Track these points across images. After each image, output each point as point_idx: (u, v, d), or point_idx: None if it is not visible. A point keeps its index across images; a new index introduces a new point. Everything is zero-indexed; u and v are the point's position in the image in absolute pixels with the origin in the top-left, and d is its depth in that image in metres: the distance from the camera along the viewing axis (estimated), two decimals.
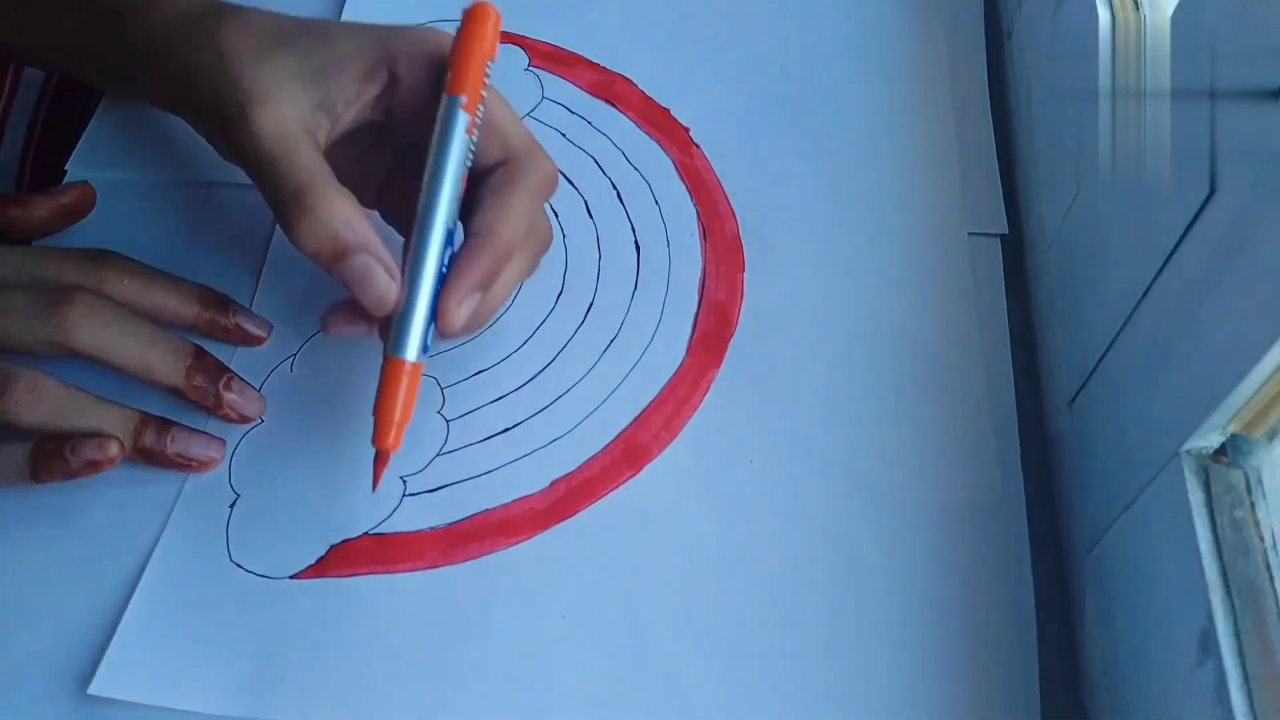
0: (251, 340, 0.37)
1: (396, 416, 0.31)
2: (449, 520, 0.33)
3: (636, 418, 0.36)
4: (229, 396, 0.35)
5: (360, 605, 0.32)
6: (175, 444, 0.34)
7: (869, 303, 0.38)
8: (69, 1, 0.37)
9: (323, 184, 0.30)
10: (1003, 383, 0.36)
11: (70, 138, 0.51)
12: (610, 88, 0.45)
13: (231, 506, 0.34)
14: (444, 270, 0.31)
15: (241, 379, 0.35)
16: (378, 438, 0.31)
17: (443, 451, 0.35)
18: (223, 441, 0.35)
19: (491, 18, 0.32)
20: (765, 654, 0.31)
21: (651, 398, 0.36)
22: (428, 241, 0.31)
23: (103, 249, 0.36)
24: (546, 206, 0.35)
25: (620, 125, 0.43)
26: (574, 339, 0.37)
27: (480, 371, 0.37)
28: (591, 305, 0.38)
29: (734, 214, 0.41)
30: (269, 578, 0.32)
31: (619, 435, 0.35)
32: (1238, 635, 0.23)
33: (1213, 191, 0.25)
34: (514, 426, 0.35)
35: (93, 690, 0.30)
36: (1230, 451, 0.25)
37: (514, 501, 0.34)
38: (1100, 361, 0.31)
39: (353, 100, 0.32)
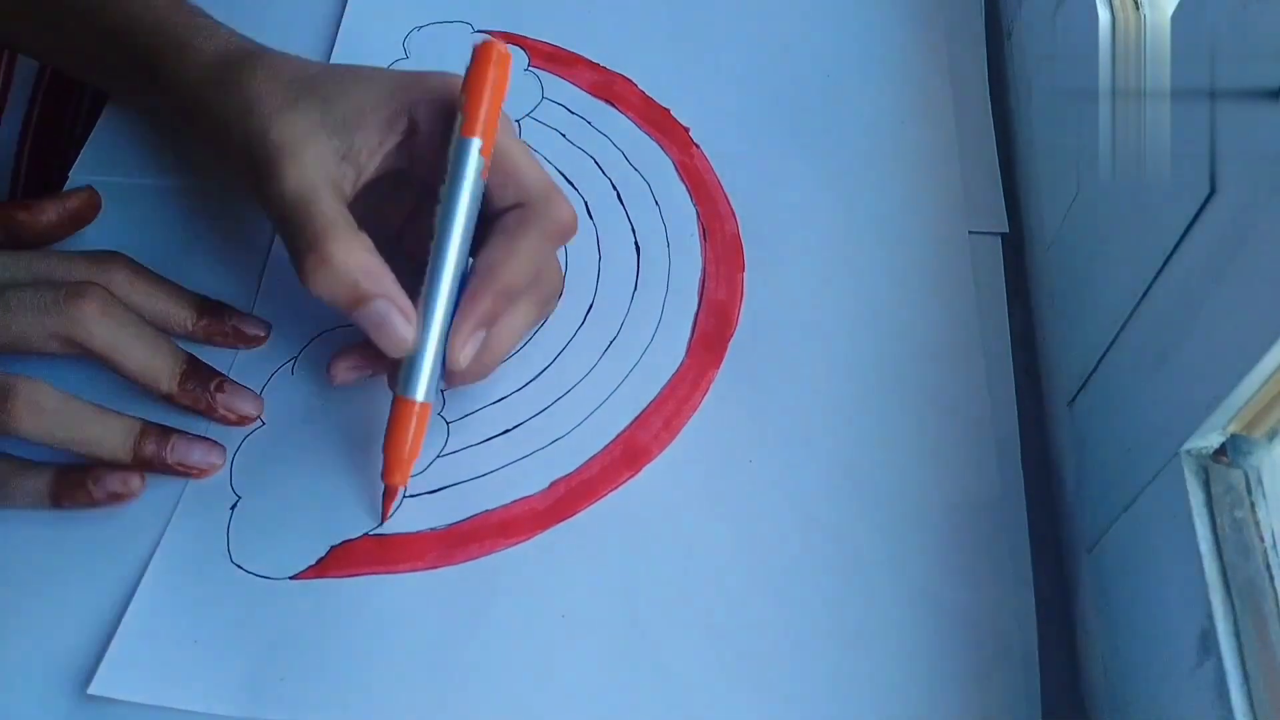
0: (251, 341, 0.37)
1: (406, 454, 0.32)
2: (449, 521, 0.33)
3: (636, 418, 0.36)
4: (221, 398, 0.35)
5: (360, 606, 0.32)
6: (176, 452, 0.34)
7: (869, 302, 0.38)
8: (106, 43, 0.38)
9: (341, 230, 0.31)
10: (1003, 382, 0.36)
11: (67, 129, 0.51)
12: (610, 88, 0.45)
13: (232, 508, 0.34)
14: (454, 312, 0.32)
15: (234, 381, 0.36)
16: (387, 474, 0.33)
17: (443, 453, 0.35)
18: (223, 448, 0.35)
19: (495, 55, 0.32)
20: (765, 654, 0.31)
21: (651, 398, 0.36)
22: (438, 284, 0.32)
23: (110, 250, 0.36)
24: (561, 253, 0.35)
25: (620, 125, 0.43)
26: (574, 340, 0.37)
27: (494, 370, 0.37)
28: (591, 306, 0.38)
29: (734, 214, 0.41)
30: (269, 578, 0.32)
31: (619, 436, 0.35)
32: (1238, 635, 0.23)
33: (1213, 191, 0.25)
34: (514, 428, 0.35)
35: (93, 690, 0.30)
36: (1230, 451, 0.25)
37: (514, 502, 0.34)
38: (1100, 361, 0.31)
39: (376, 150, 0.33)
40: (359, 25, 0.46)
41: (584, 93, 0.44)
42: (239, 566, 0.33)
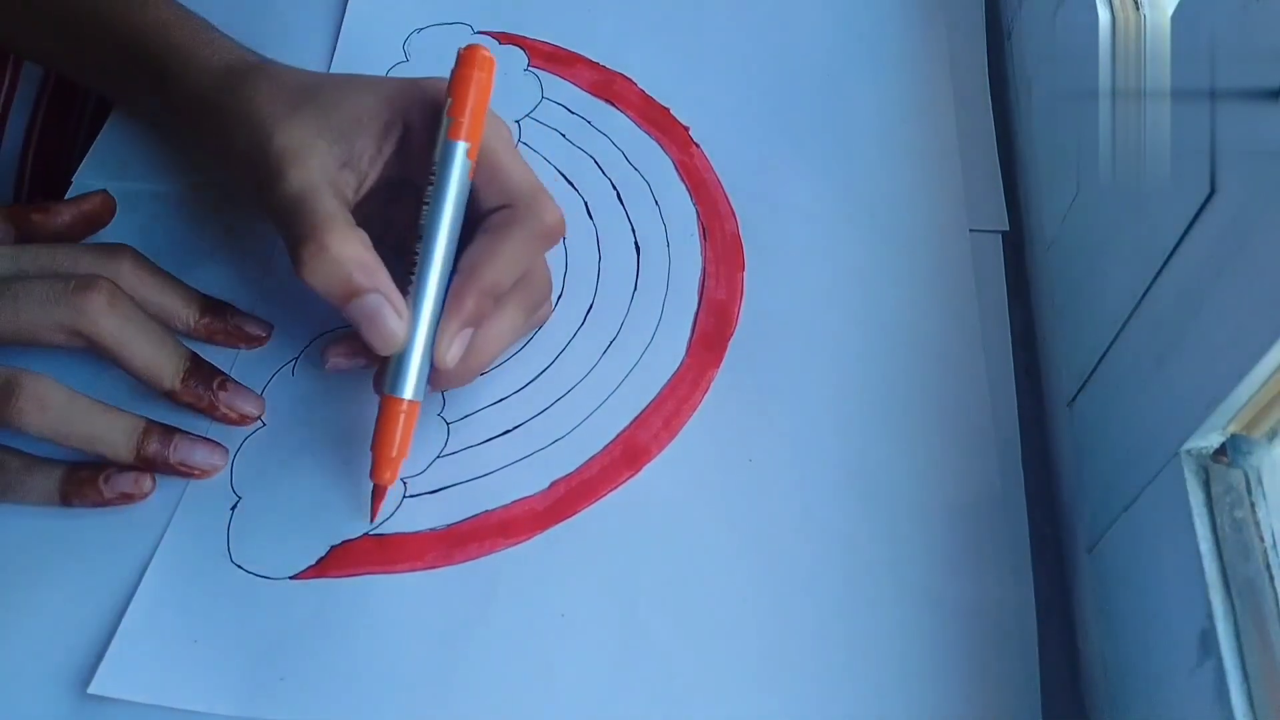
0: (252, 340, 0.37)
1: (394, 453, 0.32)
2: (449, 521, 0.33)
3: (636, 418, 0.36)
4: (223, 396, 0.35)
5: (360, 605, 0.32)
6: (178, 452, 0.34)
7: (870, 301, 0.38)
8: (113, 53, 0.39)
9: (338, 223, 0.31)
10: (1004, 381, 0.36)
11: (71, 134, 0.51)
12: (610, 87, 0.45)
13: (233, 508, 0.34)
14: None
15: (236, 381, 0.36)
16: (375, 473, 0.33)
17: (443, 453, 0.35)
18: (225, 449, 0.35)
19: (479, 58, 0.32)
20: (765, 653, 0.31)
21: (651, 398, 0.36)
22: (425, 284, 0.32)
23: (116, 244, 0.36)
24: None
25: (620, 125, 0.43)
26: (573, 340, 0.37)
27: (481, 373, 0.37)
28: (591, 306, 0.38)
29: (734, 213, 0.41)
30: (269, 578, 0.32)
31: (618, 436, 0.35)
32: (1238, 635, 0.23)
33: (1213, 191, 0.25)
34: (514, 428, 0.35)
35: (93, 689, 0.30)
36: (1230, 451, 0.25)
37: (514, 502, 0.34)
38: (1100, 361, 0.31)
39: (376, 157, 0.34)
40: (359, 29, 0.47)
41: (584, 92, 0.44)
42: (239, 566, 0.33)
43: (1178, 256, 0.27)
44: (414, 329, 0.32)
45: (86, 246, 0.35)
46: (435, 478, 0.34)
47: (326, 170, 0.33)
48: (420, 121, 0.33)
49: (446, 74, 0.33)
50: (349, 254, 0.31)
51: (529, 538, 0.33)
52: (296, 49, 0.46)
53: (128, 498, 0.33)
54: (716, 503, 0.34)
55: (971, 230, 0.40)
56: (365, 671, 0.31)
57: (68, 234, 0.38)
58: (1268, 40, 0.23)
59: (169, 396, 0.34)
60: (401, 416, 0.32)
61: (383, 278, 0.31)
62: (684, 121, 0.43)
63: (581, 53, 0.46)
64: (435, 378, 0.33)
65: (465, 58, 0.32)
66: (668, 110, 0.44)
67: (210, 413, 0.35)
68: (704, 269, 0.39)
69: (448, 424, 0.36)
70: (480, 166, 0.33)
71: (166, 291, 0.36)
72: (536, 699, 0.30)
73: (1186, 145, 0.27)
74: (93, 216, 0.39)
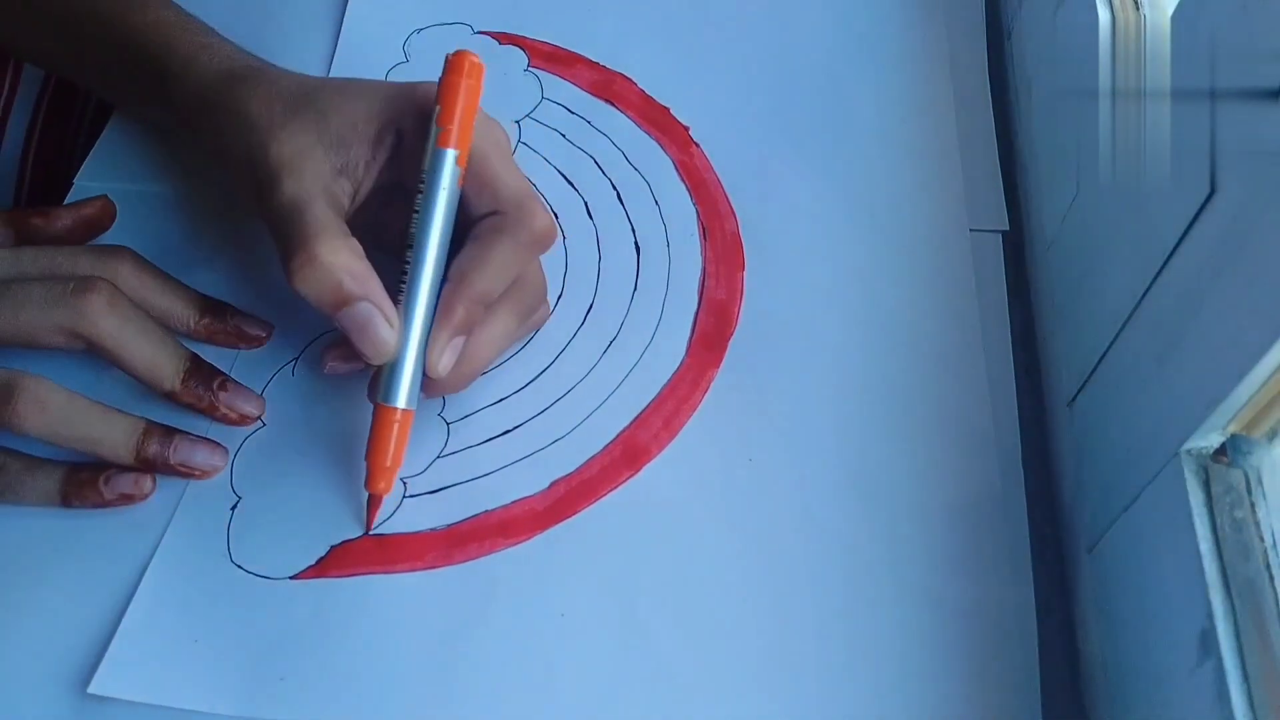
0: (252, 341, 0.37)
1: (388, 462, 0.32)
2: (449, 521, 0.33)
3: (636, 418, 0.36)
4: (224, 397, 0.35)
5: (360, 605, 0.32)
6: (179, 453, 0.34)
7: (870, 300, 0.38)
8: (114, 58, 0.39)
9: (329, 232, 0.31)
10: (1004, 381, 0.36)
11: (71, 136, 0.51)
12: (610, 87, 0.45)
13: (233, 509, 0.34)
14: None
15: (236, 381, 0.36)
16: (370, 482, 0.33)
17: (443, 453, 0.35)
18: (225, 450, 0.35)
19: (467, 65, 0.32)
20: (764, 653, 0.31)
21: (651, 398, 0.36)
22: (416, 292, 0.32)
23: (116, 245, 0.36)
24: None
25: (620, 125, 0.43)
26: (573, 340, 0.37)
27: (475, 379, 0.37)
28: (591, 306, 0.38)
29: (734, 213, 0.41)
30: (269, 578, 0.32)
31: (619, 435, 0.35)
32: (1238, 635, 0.23)
33: (1213, 191, 0.25)
34: (514, 428, 0.35)
35: (93, 689, 0.30)
36: (1230, 451, 0.25)
37: (514, 502, 0.34)
38: (1100, 361, 0.31)
39: (371, 164, 0.34)
40: (359, 29, 0.47)
41: (583, 92, 0.44)
42: (239, 566, 0.33)
43: (1178, 256, 0.27)
44: (406, 337, 0.32)
45: (86, 248, 0.35)
46: (435, 478, 0.34)
47: (322, 178, 0.33)
48: (413, 127, 0.33)
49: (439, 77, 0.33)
50: (340, 263, 0.31)
51: (529, 538, 0.33)
52: (297, 49, 0.46)
53: (128, 498, 0.33)
54: (716, 503, 0.34)
55: (971, 230, 0.40)
56: (365, 671, 0.31)
57: (68, 239, 0.38)
58: (1268, 40, 0.23)
59: (169, 397, 0.34)
60: (395, 426, 0.32)
61: (374, 286, 0.31)
62: (684, 121, 0.43)
63: (581, 53, 0.46)
64: (428, 385, 0.33)
65: (453, 64, 0.32)
66: (668, 110, 0.44)
67: (210, 413, 0.35)
68: (704, 269, 0.39)
69: (447, 424, 0.36)
70: (470, 173, 0.33)
71: (166, 292, 0.36)
72: (536, 699, 0.30)
73: (1186, 145, 0.27)
74: (93, 221, 0.39)
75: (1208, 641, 0.24)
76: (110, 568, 0.33)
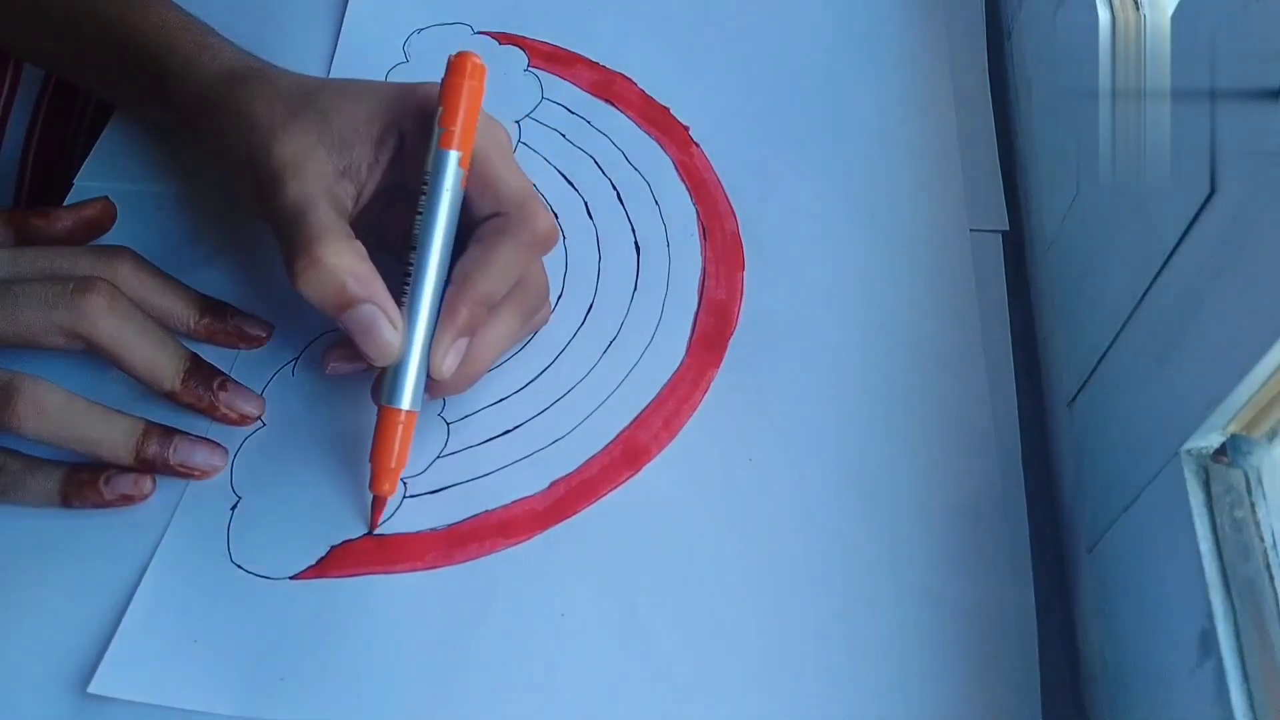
0: (252, 341, 0.37)
1: (393, 463, 0.32)
2: (449, 521, 0.33)
3: (636, 418, 0.36)
4: (224, 397, 0.35)
5: (360, 605, 0.32)
6: (178, 453, 0.34)
7: (870, 300, 0.38)
8: (115, 59, 0.39)
9: (332, 235, 0.31)
10: (1004, 381, 0.36)
11: (71, 136, 0.51)
12: (610, 87, 0.45)
13: (233, 509, 0.34)
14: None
15: (236, 381, 0.36)
16: (374, 484, 0.33)
17: (443, 454, 0.35)
18: (225, 450, 0.35)
19: (469, 66, 0.32)
20: (764, 653, 0.31)
21: (651, 398, 0.36)
22: (420, 294, 0.32)
23: (116, 245, 0.36)
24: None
25: (620, 125, 0.43)
26: (573, 340, 0.37)
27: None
28: (591, 306, 0.38)
29: (734, 212, 0.41)
30: (269, 578, 0.32)
31: (619, 435, 0.35)
32: (1238, 635, 0.23)
33: (1213, 191, 0.25)
34: (514, 428, 0.35)
35: (93, 689, 0.30)
36: (1230, 451, 0.25)
37: (514, 502, 0.34)
38: (1100, 361, 0.31)
39: (374, 165, 0.34)
40: (359, 30, 0.47)
41: (583, 92, 0.44)
42: (239, 566, 0.33)
43: (1178, 256, 0.27)
44: (410, 339, 0.32)
45: (86, 248, 0.35)
46: (435, 478, 0.34)
47: (325, 180, 0.33)
48: (415, 128, 0.33)
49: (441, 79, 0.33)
50: (343, 265, 0.31)
51: (529, 538, 0.33)
52: (297, 50, 0.46)
53: (128, 499, 0.33)
54: (716, 502, 0.34)
55: (971, 230, 0.40)
56: (365, 671, 0.31)
57: (68, 239, 0.38)
58: (1268, 40, 0.23)
59: (169, 397, 0.34)
60: (400, 427, 0.32)
61: (377, 288, 0.31)
62: (684, 121, 0.43)
63: (581, 53, 0.46)
64: (432, 386, 0.33)
65: (455, 65, 0.32)
66: (668, 110, 0.44)
67: (210, 413, 0.35)
68: (704, 269, 0.39)
69: (448, 424, 0.36)
70: (473, 174, 0.33)
71: (166, 292, 0.36)
72: (536, 699, 0.30)
73: (1186, 145, 0.27)
74: (93, 222, 0.39)
75: (1208, 641, 0.24)
76: (110, 568, 0.33)
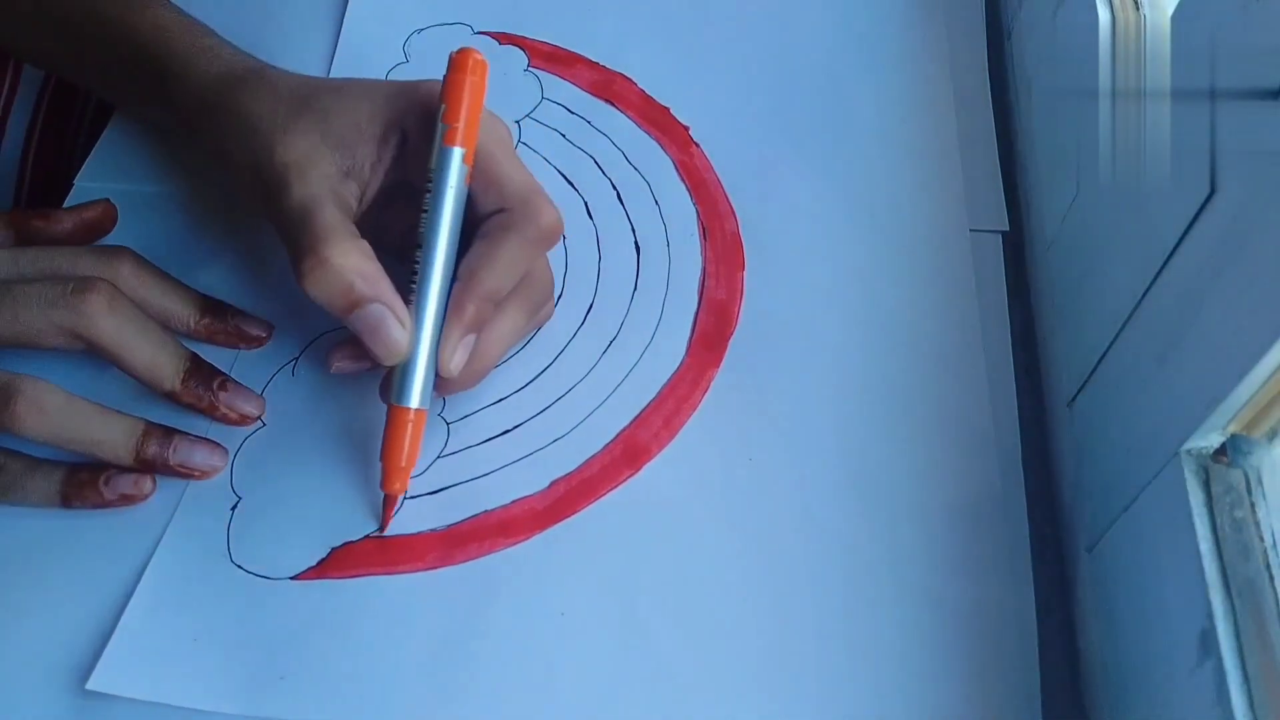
0: (252, 341, 0.37)
1: (403, 462, 0.32)
2: (449, 522, 0.33)
3: (636, 417, 0.36)
4: (224, 396, 0.35)
5: (360, 605, 0.32)
6: (178, 454, 0.34)
7: (870, 300, 0.38)
8: (114, 61, 0.39)
9: (339, 235, 0.31)
10: (1004, 381, 0.36)
11: (71, 136, 0.51)
12: (610, 87, 0.45)
13: (233, 509, 0.34)
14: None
15: (236, 381, 0.36)
16: (385, 482, 0.33)
17: (443, 454, 0.35)
18: (225, 450, 0.35)
19: (471, 63, 0.32)
20: (764, 653, 0.31)
21: (651, 397, 0.36)
22: (427, 291, 0.32)
23: (116, 245, 0.36)
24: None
25: (620, 125, 0.43)
26: (573, 340, 0.37)
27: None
28: (591, 306, 0.38)
29: (734, 212, 0.41)
30: (269, 579, 0.32)
31: (619, 435, 0.35)
32: (1238, 635, 0.23)
33: (1213, 191, 0.25)
34: (514, 428, 0.35)
35: (91, 685, 0.30)
36: (1230, 451, 0.25)
37: (513, 502, 0.34)
38: (1100, 361, 0.31)
39: (377, 165, 0.34)
40: (359, 29, 0.47)
41: (583, 92, 0.44)
42: (239, 566, 0.33)
43: (1178, 256, 0.27)
44: (417, 337, 0.32)
45: (86, 249, 0.35)
46: (435, 478, 0.34)
47: (329, 181, 0.33)
48: (417, 126, 0.33)
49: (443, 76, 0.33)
50: (350, 265, 0.31)
51: (529, 537, 0.33)
52: (297, 50, 0.46)
53: (128, 499, 0.33)
54: (716, 502, 0.34)
55: (971, 230, 0.40)
56: (365, 671, 0.31)
57: (69, 241, 0.38)
58: (1268, 40, 0.23)
59: (169, 397, 0.34)
60: (409, 426, 0.32)
61: (385, 287, 0.31)
62: (684, 121, 0.43)
63: (581, 53, 0.46)
64: (440, 384, 0.33)
65: (457, 62, 0.32)
66: (668, 110, 0.44)
67: (210, 413, 0.35)
68: (704, 269, 0.39)
69: (448, 424, 0.36)
70: (476, 170, 0.33)
71: (166, 292, 0.36)
72: (536, 699, 0.30)
73: (1186, 145, 0.27)
74: (94, 224, 0.39)
75: (1208, 641, 0.24)
76: (110, 568, 0.33)
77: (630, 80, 0.45)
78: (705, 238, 0.40)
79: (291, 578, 0.32)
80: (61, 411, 0.32)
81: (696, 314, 0.38)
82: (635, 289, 0.39)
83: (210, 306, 0.37)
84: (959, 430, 0.35)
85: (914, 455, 0.35)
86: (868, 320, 0.38)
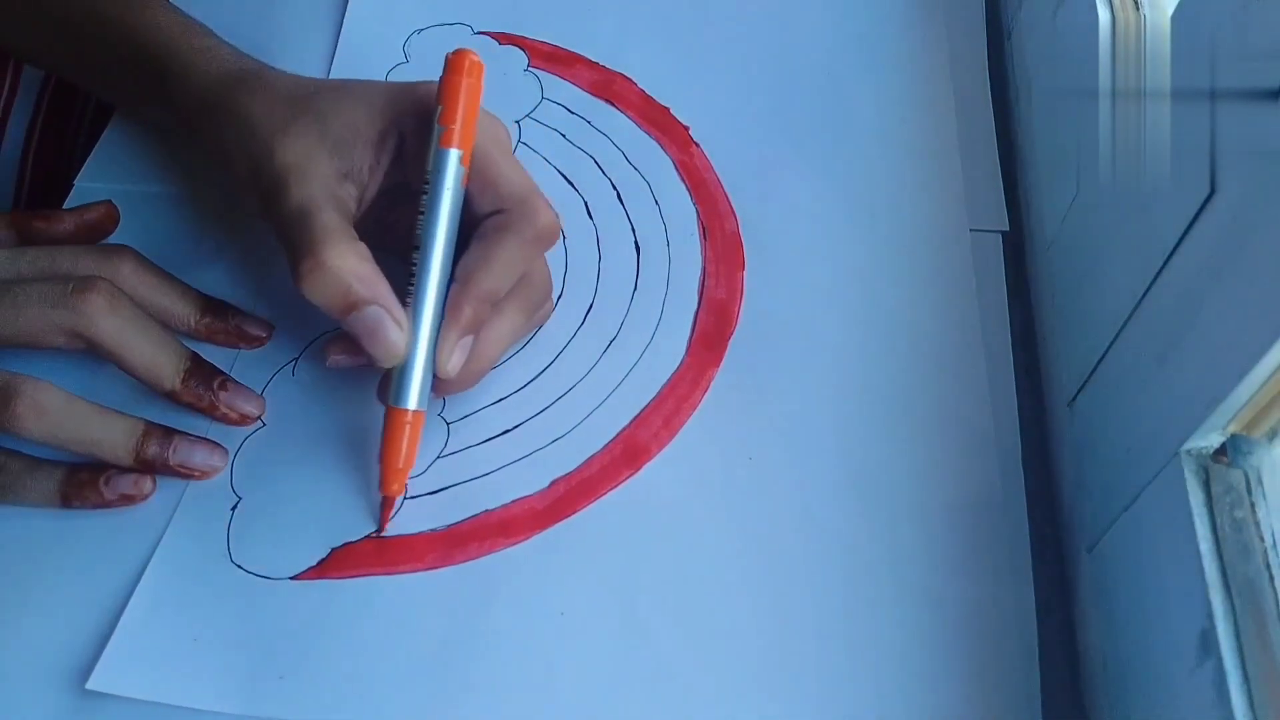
0: (253, 340, 0.37)
1: (400, 464, 0.32)
2: (449, 522, 0.33)
3: (636, 417, 0.36)
4: (224, 396, 0.35)
5: (360, 606, 0.32)
6: (178, 454, 0.34)
7: (870, 300, 0.38)
8: (113, 62, 0.40)
9: (336, 237, 0.31)
10: (1004, 381, 0.36)
11: (71, 137, 0.51)
12: (609, 87, 0.45)
13: (233, 509, 0.34)
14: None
15: (236, 380, 0.36)
16: (383, 484, 0.33)
17: (443, 454, 0.35)
18: (225, 450, 0.35)
19: (466, 64, 0.32)
20: (764, 653, 0.31)
21: (651, 397, 0.36)
22: (424, 293, 0.32)
23: (116, 244, 0.36)
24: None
25: (620, 125, 0.43)
26: (573, 339, 0.37)
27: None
28: (591, 306, 0.38)
29: (734, 212, 0.41)
30: (269, 579, 0.32)
31: (619, 435, 0.35)
32: (1238, 635, 0.23)
33: (1213, 191, 0.25)
34: (514, 428, 0.35)
35: (91, 685, 0.30)
36: (1230, 451, 0.25)
37: (513, 502, 0.34)
38: (1100, 361, 0.31)
39: (375, 167, 0.34)
40: (359, 30, 0.47)
41: (583, 92, 0.44)
42: (239, 566, 0.33)
43: (1178, 256, 0.27)
44: (415, 339, 0.32)
45: (86, 248, 0.35)
46: (435, 478, 0.34)
47: (328, 183, 0.33)
48: (415, 128, 0.33)
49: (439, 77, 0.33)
50: (348, 267, 0.31)
51: (529, 537, 0.33)
52: (297, 50, 0.46)
53: (128, 499, 0.33)
54: (716, 502, 0.34)
55: (971, 230, 0.40)
56: (365, 671, 0.31)
57: (70, 243, 0.38)
58: (1268, 40, 0.23)
59: (169, 397, 0.34)
60: (407, 427, 0.32)
61: (382, 289, 0.31)
62: (684, 121, 0.43)
63: (581, 53, 0.46)
64: (438, 385, 0.33)
65: (453, 64, 0.32)
66: (668, 110, 0.44)
67: (210, 413, 0.35)
68: (704, 268, 0.39)
69: (448, 424, 0.36)
70: (473, 171, 0.33)
71: (167, 292, 0.36)
72: (536, 699, 0.30)
73: (1186, 145, 0.27)
74: (95, 226, 0.39)
75: (1208, 641, 0.24)
76: (110, 568, 0.33)
77: (630, 80, 0.45)
78: (705, 237, 0.40)
79: (291, 578, 0.32)
80: (61, 412, 0.32)
81: (696, 314, 0.38)
82: (635, 289, 0.39)
83: (211, 306, 0.37)
84: (959, 430, 0.35)
85: (914, 455, 0.35)
86: (868, 320, 0.38)
